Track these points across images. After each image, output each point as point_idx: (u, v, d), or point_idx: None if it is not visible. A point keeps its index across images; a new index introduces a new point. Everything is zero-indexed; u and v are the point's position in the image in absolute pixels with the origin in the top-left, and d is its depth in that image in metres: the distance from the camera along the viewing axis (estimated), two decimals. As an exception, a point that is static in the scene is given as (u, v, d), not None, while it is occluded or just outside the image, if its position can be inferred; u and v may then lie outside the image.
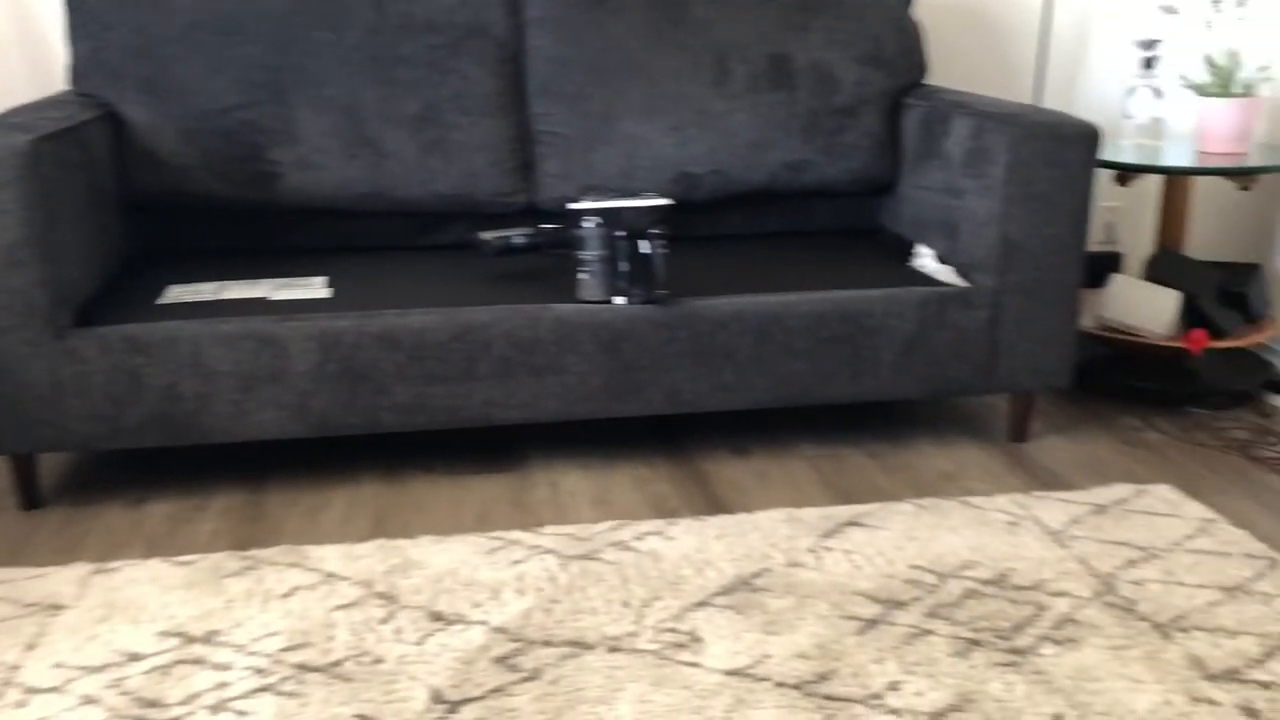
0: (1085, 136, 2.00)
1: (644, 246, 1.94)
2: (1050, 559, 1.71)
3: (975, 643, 1.49)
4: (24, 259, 1.74)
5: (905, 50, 2.40)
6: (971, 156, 2.09)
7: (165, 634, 1.51)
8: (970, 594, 1.61)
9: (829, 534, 1.79)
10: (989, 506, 1.89)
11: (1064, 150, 2.00)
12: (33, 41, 2.42)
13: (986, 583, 1.64)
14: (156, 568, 1.68)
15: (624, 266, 1.95)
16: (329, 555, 1.72)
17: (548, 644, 1.49)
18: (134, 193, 2.15)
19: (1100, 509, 1.88)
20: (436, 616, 1.55)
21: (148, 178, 2.14)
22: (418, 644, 1.48)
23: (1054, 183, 2.01)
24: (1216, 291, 2.39)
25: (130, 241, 2.21)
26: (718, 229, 2.46)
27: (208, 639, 1.49)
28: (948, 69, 2.76)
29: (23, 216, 1.72)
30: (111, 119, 2.11)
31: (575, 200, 1.97)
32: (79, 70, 2.14)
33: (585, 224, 1.94)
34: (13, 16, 2.40)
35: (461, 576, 1.66)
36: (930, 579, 1.65)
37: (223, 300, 1.94)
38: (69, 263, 1.82)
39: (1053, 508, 1.89)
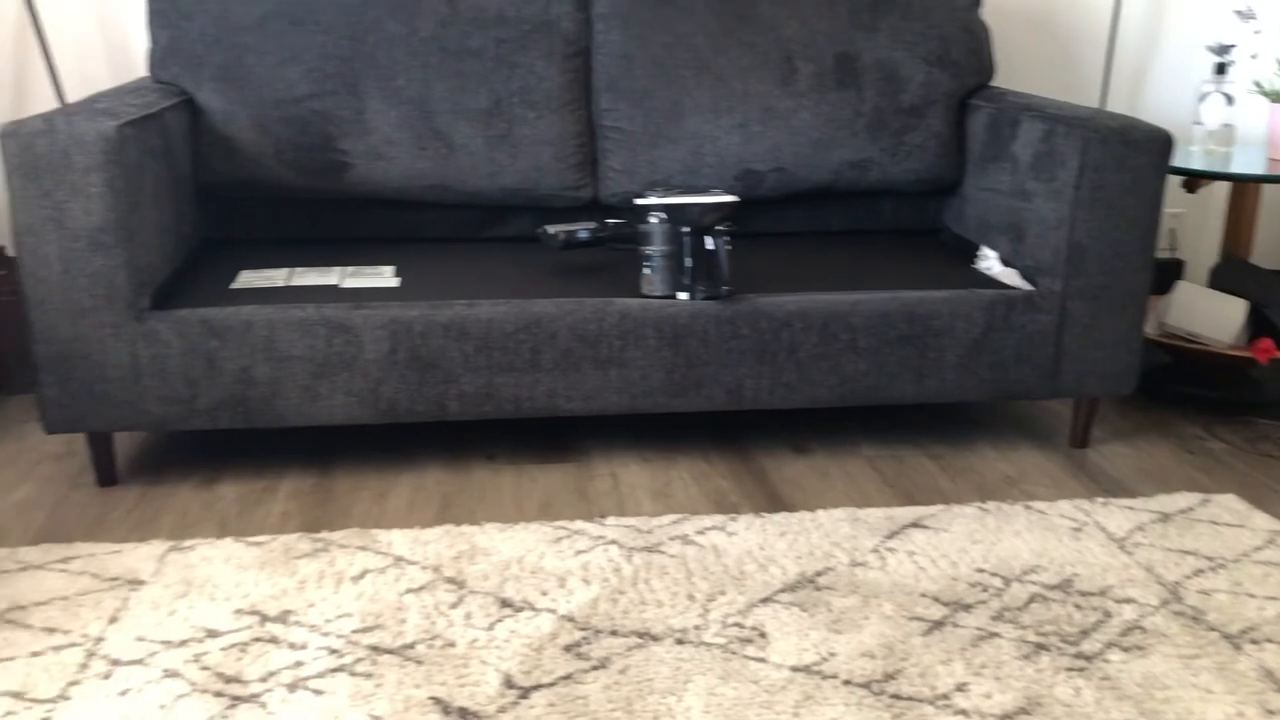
0: (1157, 142, 1.99)
1: (709, 243, 1.95)
2: (1115, 566, 1.71)
3: (1042, 647, 1.49)
4: (108, 242, 1.78)
5: (972, 51, 2.39)
6: (1041, 160, 2.08)
7: (241, 612, 1.54)
8: (1036, 598, 1.61)
9: (892, 535, 1.79)
10: (1052, 512, 1.89)
11: (1136, 155, 1.98)
12: (113, 29, 2.47)
13: (1052, 588, 1.64)
14: (230, 547, 1.71)
15: (689, 262, 1.96)
16: (397, 539, 1.74)
17: (615, 634, 1.50)
18: (208, 179, 2.19)
19: (1165, 517, 1.87)
20: (505, 603, 1.57)
21: (222, 165, 2.18)
22: (488, 629, 1.50)
23: (1124, 188, 2.00)
24: (1284, 301, 2.36)
25: (202, 227, 2.25)
26: (779, 226, 2.46)
27: (282, 618, 1.52)
28: (1014, 70, 2.75)
29: (108, 200, 1.76)
30: (188, 107, 2.15)
31: (638, 195, 1.99)
32: (158, 58, 2.19)
33: (651, 219, 1.95)
34: (95, 4, 2.45)
35: (528, 564, 1.68)
36: (995, 582, 1.65)
37: (294, 286, 1.98)
38: (148, 247, 1.86)
39: (1116, 514, 1.88)
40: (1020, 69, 2.76)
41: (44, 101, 2.49)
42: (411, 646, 1.47)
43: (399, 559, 1.68)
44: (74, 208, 1.75)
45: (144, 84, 2.18)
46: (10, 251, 2.49)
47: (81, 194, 1.75)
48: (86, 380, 1.83)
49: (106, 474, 1.95)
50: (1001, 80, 2.73)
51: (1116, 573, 1.69)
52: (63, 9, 2.44)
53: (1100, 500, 1.93)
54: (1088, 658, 1.47)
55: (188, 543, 1.73)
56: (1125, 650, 1.49)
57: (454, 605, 1.56)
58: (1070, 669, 1.44)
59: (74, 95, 2.48)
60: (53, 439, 2.14)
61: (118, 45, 2.48)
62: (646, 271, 1.98)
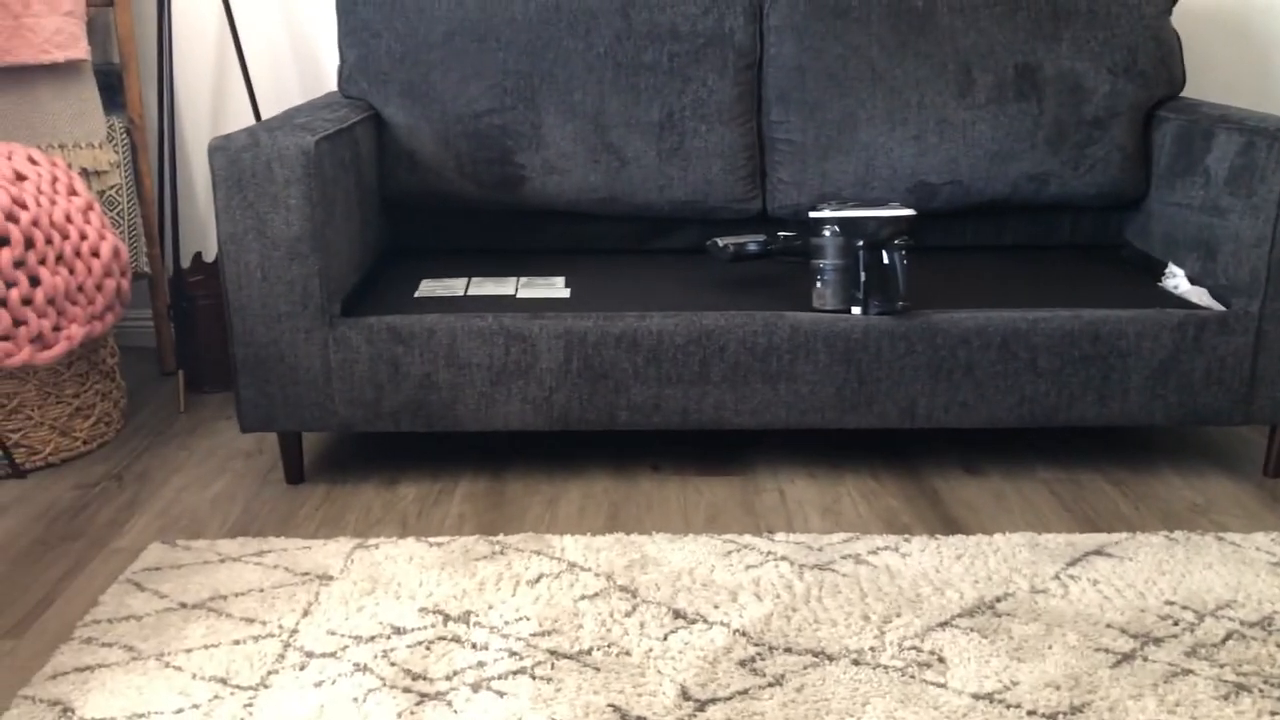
0: (1372, 155, 1.87)
1: (886, 257, 1.93)
2: (1321, 605, 1.61)
3: (1243, 688, 1.42)
4: (304, 251, 1.86)
5: (1161, 61, 2.29)
6: (1238, 174, 1.98)
7: (425, 610, 1.59)
8: (1233, 635, 1.53)
9: (1073, 562, 1.73)
10: (1247, 544, 1.79)
11: (1347, 170, 1.87)
12: (304, 45, 2.59)
13: (1250, 625, 1.56)
14: (412, 546, 1.78)
15: (863, 276, 1.94)
16: (570, 545, 1.78)
17: (789, 651, 1.49)
18: (393, 191, 2.28)
19: (1374, 555, 1.76)
20: (678, 614, 1.58)
21: (406, 177, 2.26)
22: (662, 639, 1.52)
23: (1333, 204, 1.88)
24: None
25: (386, 236, 2.34)
26: (952, 239, 2.41)
27: (464, 618, 1.57)
28: (1206, 80, 2.63)
29: (306, 212, 1.85)
30: (375, 121, 2.24)
31: (809, 208, 1.98)
32: (347, 74, 2.29)
33: (824, 232, 1.93)
34: (288, 22, 2.58)
35: (699, 576, 1.68)
36: (1188, 616, 1.58)
37: (472, 296, 2.04)
38: (339, 256, 1.95)
39: (1319, 550, 1.77)
40: (1213, 78, 2.63)
41: (242, 116, 2.64)
42: (589, 652, 1.49)
43: (573, 564, 1.71)
44: (275, 218, 1.85)
45: (334, 99, 2.28)
46: (206, 257, 2.64)
47: (282, 205, 1.84)
48: (280, 382, 1.93)
49: (295, 472, 2.05)
50: (1193, 90, 2.61)
51: (1322, 613, 1.59)
52: (259, 27, 2.58)
53: (1300, 534, 1.82)
54: (1294, 702, 1.39)
55: (372, 541, 1.80)
56: (1336, 697, 1.40)
57: (628, 614, 1.58)
58: (1276, 713, 1.37)
59: (267, 108, 2.61)
60: (245, 436, 2.26)
61: (309, 60, 2.61)
62: (818, 285, 1.96)
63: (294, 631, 1.54)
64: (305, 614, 1.59)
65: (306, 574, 1.70)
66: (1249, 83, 2.64)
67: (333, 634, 1.54)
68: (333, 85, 2.62)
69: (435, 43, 2.25)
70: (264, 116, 2.60)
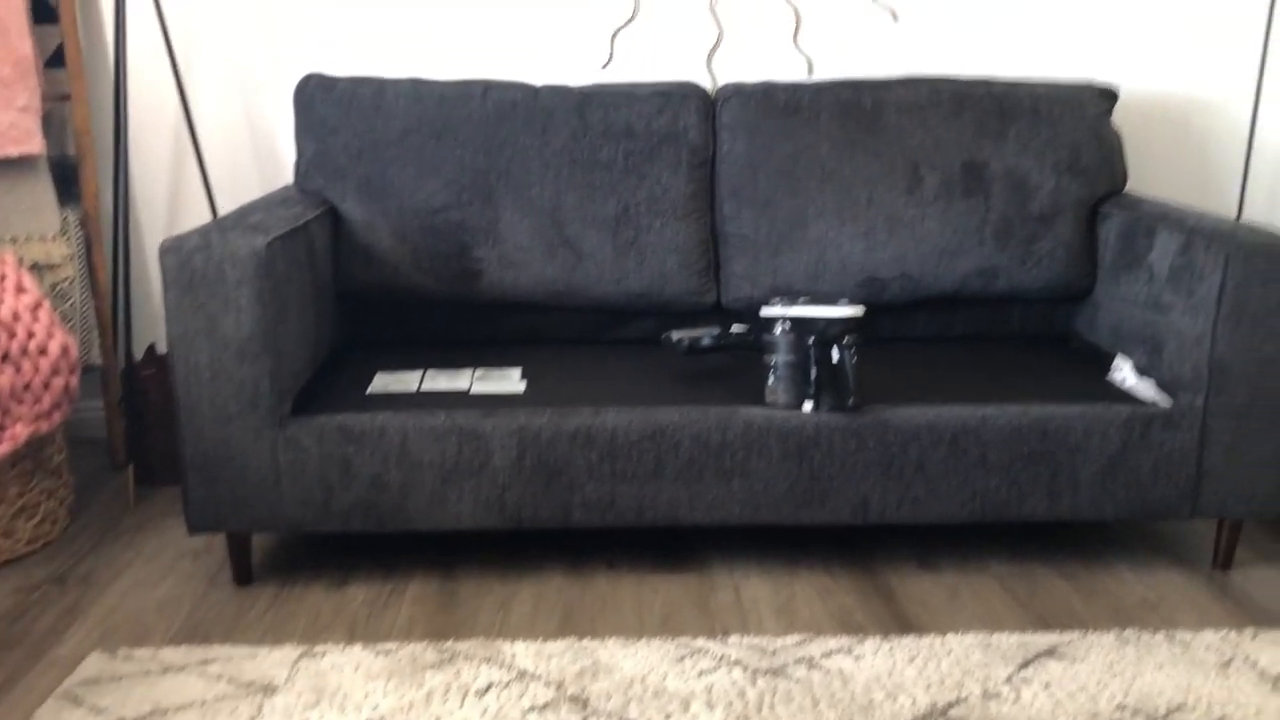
0: (1306, 257, 1.92)
1: (836, 355, 1.94)
2: (1270, 709, 1.61)
3: (1193, 798, 1.42)
4: (255, 351, 1.86)
5: (1104, 159, 2.35)
6: (1179, 272, 2.03)
7: (371, 724, 1.56)
8: (1183, 742, 1.53)
9: (1025, 664, 1.73)
10: (1197, 643, 1.80)
11: (1282, 270, 1.92)
12: (262, 139, 2.61)
13: (1200, 730, 1.56)
14: (359, 655, 1.75)
15: (814, 373, 1.95)
16: (521, 651, 1.75)
17: (740, 763, 1.48)
18: (348, 285, 2.28)
19: (1321, 653, 1.77)
20: (629, 725, 1.56)
21: (362, 272, 2.27)
22: (612, 753, 1.49)
23: (1269, 304, 1.93)
24: None
25: (341, 328, 2.33)
26: (903, 331, 2.44)
27: (410, 732, 1.54)
28: (1147, 177, 2.70)
29: (257, 313, 1.84)
30: (331, 215, 2.25)
31: (762, 301, 2.00)
32: (304, 169, 2.30)
33: (776, 329, 1.95)
34: (245, 115, 2.60)
35: (651, 684, 1.67)
36: (1138, 721, 1.58)
37: (427, 391, 2.03)
38: (291, 355, 1.94)
39: (1268, 648, 1.78)
40: (1154, 175, 2.70)
41: (198, 209, 2.64)
42: (537, 768, 1.46)
43: (523, 673, 1.69)
44: (225, 319, 1.84)
45: (290, 194, 2.29)
46: (160, 349, 2.62)
47: (233, 306, 1.84)
48: (229, 483, 1.91)
49: (244, 573, 2.01)
50: (1134, 186, 2.68)
51: (1271, 717, 1.59)
52: (217, 119, 2.59)
53: (1250, 631, 1.84)
54: (1244, 813, 1.39)
55: (319, 648, 1.77)
56: (1285, 806, 1.40)
57: (578, 725, 1.56)
58: (1225, 826, 1.36)
59: (224, 202, 2.61)
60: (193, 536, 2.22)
61: (267, 153, 2.62)
62: (771, 381, 1.98)
63: (235, 748, 1.51)
64: (247, 728, 1.55)
65: (250, 684, 1.66)
66: (1188, 179, 2.71)
67: (275, 750, 1.50)
68: (289, 176, 2.63)
69: (392, 139, 2.27)
70: (221, 208, 2.61)
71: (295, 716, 1.58)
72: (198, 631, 1.85)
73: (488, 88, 2.30)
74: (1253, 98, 2.65)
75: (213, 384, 1.87)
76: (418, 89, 2.29)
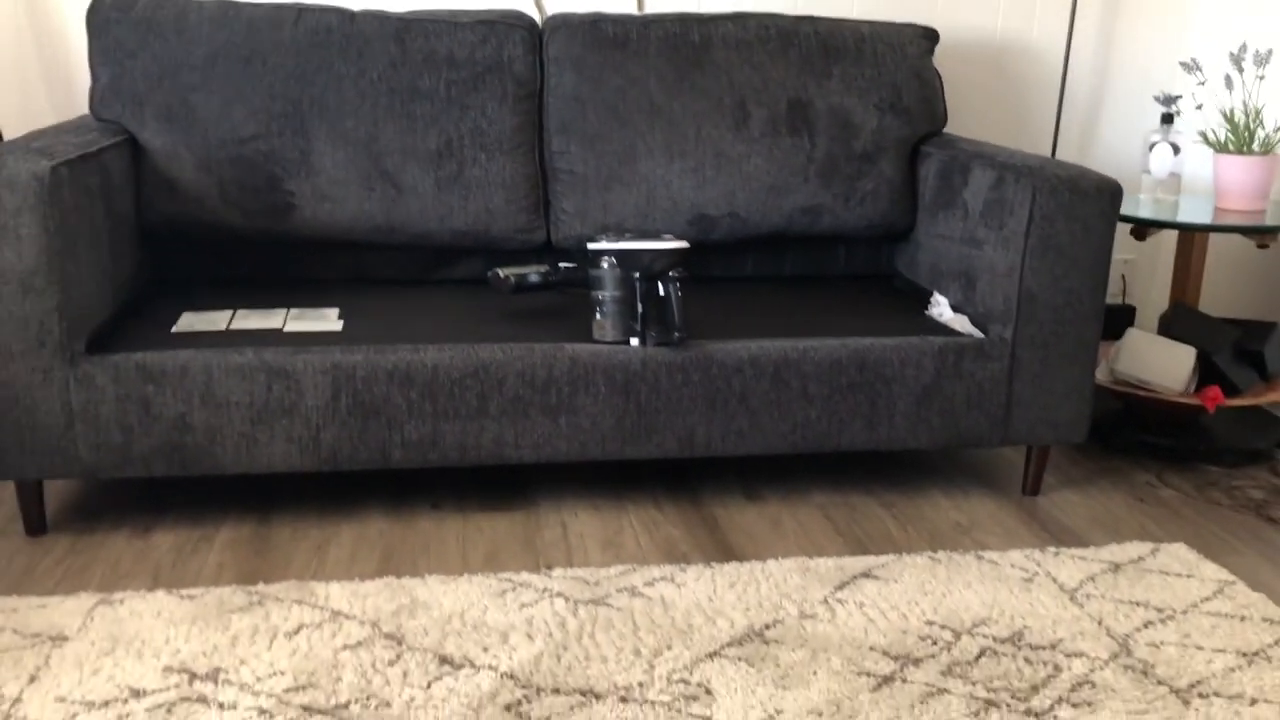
0: (1107, 191, 2.00)
1: (662, 289, 1.93)
2: (1066, 618, 1.69)
3: (992, 703, 1.47)
4: (39, 285, 1.73)
5: (925, 99, 2.40)
6: (991, 207, 2.08)
7: (170, 669, 1.48)
8: (986, 652, 1.59)
9: (842, 585, 1.77)
10: (1004, 561, 1.87)
11: (1085, 204, 1.99)
12: (54, 66, 2.43)
13: (1002, 641, 1.62)
14: (161, 600, 1.66)
15: (641, 308, 1.94)
16: (335, 593, 1.69)
17: (557, 691, 1.46)
18: (151, 220, 2.14)
19: (1115, 567, 1.86)
20: (444, 660, 1.52)
21: (165, 205, 2.14)
22: (425, 688, 1.46)
23: (1074, 236, 2.00)
24: (1233, 349, 2.37)
25: (144, 268, 2.20)
26: (733, 271, 2.45)
27: (212, 676, 1.47)
28: (966, 118, 2.77)
29: (40, 243, 1.71)
30: (131, 146, 2.11)
31: (591, 239, 1.97)
32: (99, 96, 2.15)
33: (602, 264, 1.93)
34: (37, 42, 2.41)
35: (470, 619, 1.63)
36: (945, 635, 1.63)
37: (236, 330, 1.93)
38: (84, 289, 1.81)
39: (1067, 564, 1.87)
40: (972, 117, 2.78)
41: (-16, 138, 2.44)
42: (345, 706, 1.42)
43: (336, 613, 1.63)
44: (4, 249, 1.70)
45: (85, 122, 2.14)
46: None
47: (12, 235, 1.70)
48: (15, 427, 1.77)
49: (36, 523, 1.89)
50: (954, 127, 2.75)
51: (1067, 625, 1.67)
52: (2, 46, 2.40)
53: (1052, 550, 1.92)
54: (1038, 715, 1.45)
55: (117, 595, 1.67)
56: (1075, 706, 1.47)
57: (391, 663, 1.51)
58: (1020, 727, 1.42)
59: (12, 133, 2.42)
60: (-18, 485, 2.07)
61: (60, 82, 2.44)
62: (598, 317, 1.95)
63: (16, 700, 1.41)
64: (31, 680, 1.45)
65: (38, 635, 1.56)
66: (1005, 120, 2.80)
67: (61, 700, 1.41)
68: (85, 108, 2.45)
69: (196, 64, 2.13)
70: (6, 138, 2.41)
71: (87, 665, 1.48)
72: (-18, 585, 1.72)
73: (301, 11, 2.18)
74: (1065, 41, 2.74)
75: (-7, 320, 1.73)
76: (224, 11, 2.16)
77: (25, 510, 1.87)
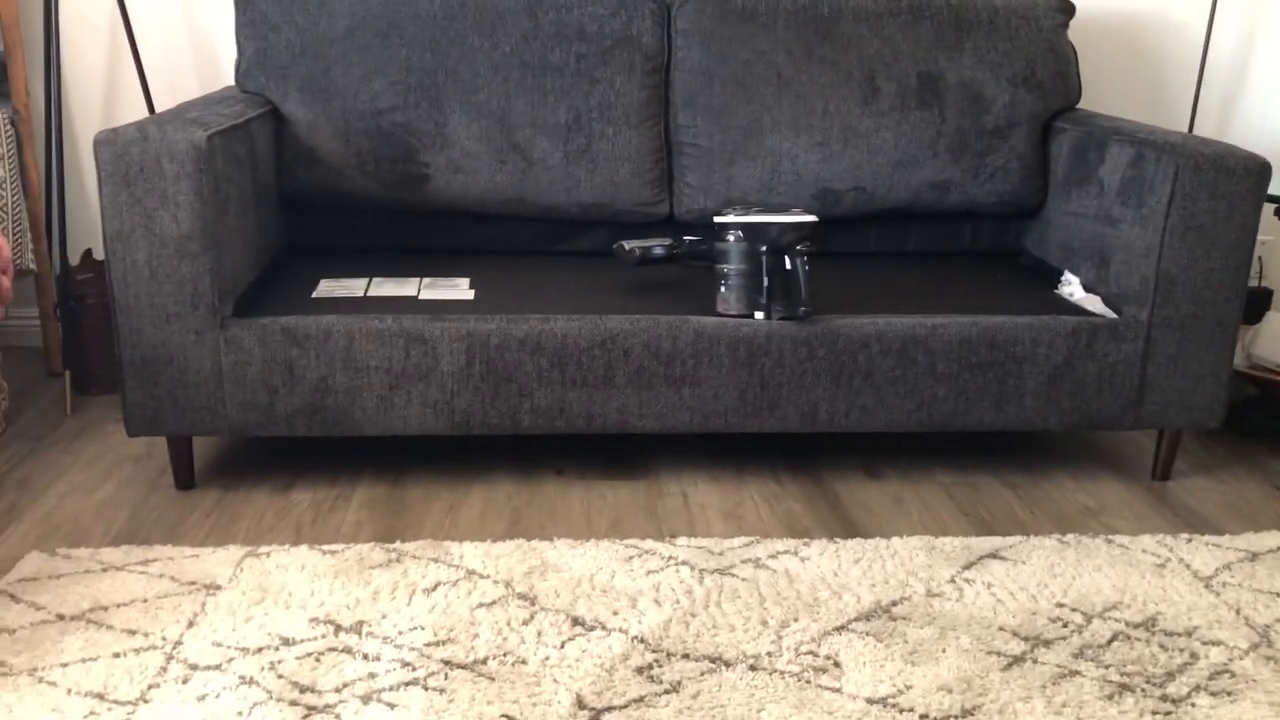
0: (1254, 170, 1.93)
1: (789, 263, 1.93)
2: (1201, 605, 1.66)
3: (1126, 688, 1.45)
4: (194, 250, 1.81)
5: (1059, 73, 2.34)
6: (1129, 185, 2.03)
7: (316, 621, 1.55)
8: (1119, 636, 1.57)
9: (969, 565, 1.76)
10: (1134, 546, 1.84)
11: (1230, 183, 1.93)
12: (201, 39, 2.52)
13: (1135, 626, 1.60)
14: (305, 555, 1.73)
15: (766, 282, 1.94)
16: (469, 552, 1.75)
17: (687, 657, 1.49)
18: (291, 189, 2.22)
19: (1253, 556, 1.81)
20: (576, 621, 1.56)
21: (305, 175, 2.21)
22: (559, 648, 1.50)
23: (1217, 216, 1.94)
24: (1380, 335, 2.28)
25: (285, 234, 2.28)
26: (856, 245, 2.43)
27: (356, 628, 1.53)
28: (1101, 92, 2.70)
29: (196, 208, 1.79)
30: (274, 116, 2.19)
31: (714, 212, 1.98)
32: (244, 68, 2.22)
33: (729, 237, 1.94)
34: (184, 14, 2.51)
35: (599, 582, 1.67)
36: (1076, 618, 1.61)
37: (373, 297, 2.00)
38: (232, 254, 1.89)
39: (1202, 552, 1.82)
40: (1107, 91, 2.70)
41: (134, 109, 2.55)
42: (484, 662, 1.46)
43: (471, 572, 1.69)
44: (163, 215, 1.79)
45: (231, 94, 2.22)
46: (98, 254, 2.54)
47: (171, 201, 1.78)
48: (169, 385, 1.86)
49: (185, 477, 1.98)
50: (1088, 102, 2.68)
51: (1203, 613, 1.64)
52: (153, 19, 2.50)
53: (1185, 536, 1.88)
54: (1174, 701, 1.43)
55: (263, 549, 1.75)
56: (1214, 695, 1.44)
57: (526, 622, 1.56)
58: (1157, 712, 1.40)
59: (162, 104, 2.53)
60: (134, 441, 2.18)
61: (206, 55, 2.53)
62: (723, 290, 1.96)
63: (178, 643, 1.49)
64: (190, 625, 1.53)
65: (193, 583, 1.64)
66: (1141, 95, 2.71)
67: (218, 645, 1.49)
68: (231, 79, 2.54)
69: (336, 37, 2.20)
70: (159, 110, 2.52)
71: (240, 613, 1.56)
72: (138, 534, 1.82)
73: (436, -14, 2.23)
74: (1207, 14, 2.65)
75: (151, 282, 1.82)
76: (364, -15, 2.21)
77: (176, 465, 1.97)
